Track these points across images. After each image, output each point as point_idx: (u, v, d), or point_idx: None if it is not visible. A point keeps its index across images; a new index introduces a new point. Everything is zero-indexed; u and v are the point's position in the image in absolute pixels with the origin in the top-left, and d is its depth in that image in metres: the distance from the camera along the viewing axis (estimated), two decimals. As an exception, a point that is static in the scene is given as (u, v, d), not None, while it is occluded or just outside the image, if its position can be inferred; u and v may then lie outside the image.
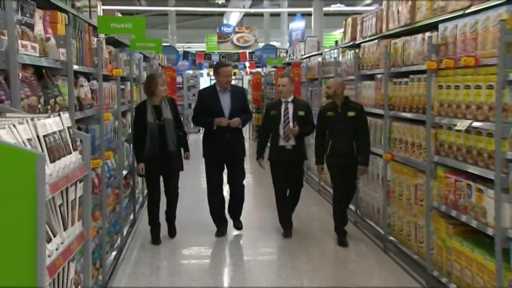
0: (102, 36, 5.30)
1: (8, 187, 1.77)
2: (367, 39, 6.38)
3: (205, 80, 23.62)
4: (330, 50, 8.88)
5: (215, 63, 7.57)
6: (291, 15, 20.02)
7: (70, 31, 3.51)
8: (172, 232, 5.83)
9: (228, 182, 6.06)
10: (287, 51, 15.56)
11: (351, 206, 6.16)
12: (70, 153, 2.28)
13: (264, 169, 6.06)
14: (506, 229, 3.30)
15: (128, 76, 6.29)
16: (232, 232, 6.04)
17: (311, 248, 5.60)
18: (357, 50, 6.66)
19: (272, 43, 20.04)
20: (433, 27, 4.49)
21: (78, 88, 3.87)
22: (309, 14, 16.96)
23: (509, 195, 3.28)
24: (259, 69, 18.38)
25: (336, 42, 8.77)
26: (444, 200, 4.13)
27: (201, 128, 9.75)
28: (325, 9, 16.96)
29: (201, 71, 21.59)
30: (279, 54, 16.56)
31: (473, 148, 3.74)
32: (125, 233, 5.69)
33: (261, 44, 19.82)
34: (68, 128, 2.34)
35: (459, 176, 3.93)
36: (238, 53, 18.40)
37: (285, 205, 6.00)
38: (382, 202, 5.55)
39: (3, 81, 2.59)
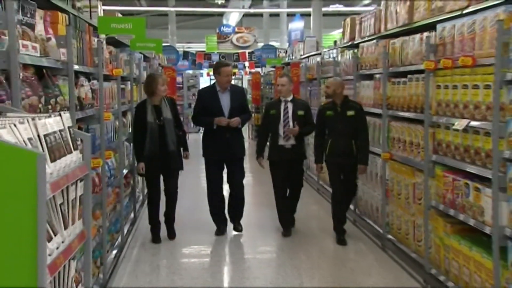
0: (102, 36, 5.30)
1: (9, 186, 1.77)
2: (366, 39, 6.38)
3: (205, 80, 23.59)
4: (329, 50, 8.89)
5: (215, 63, 7.56)
6: (290, 15, 20.02)
7: (70, 31, 3.51)
8: (171, 234, 5.78)
9: (228, 182, 6.05)
10: (286, 51, 15.56)
11: (350, 205, 6.15)
12: (71, 152, 2.28)
13: (264, 168, 6.06)
14: (503, 228, 3.31)
15: (128, 76, 6.29)
16: (231, 231, 6.03)
17: (310, 247, 5.60)
18: (355, 50, 6.66)
19: (271, 43, 20.04)
20: (431, 27, 4.49)
21: (78, 88, 3.86)
22: (308, 15, 16.96)
23: (507, 194, 3.28)
24: (259, 69, 18.38)
25: (335, 42, 8.76)
26: (442, 199, 4.13)
27: (200, 127, 9.74)
28: (324, 9, 16.96)
29: (201, 71, 21.57)
30: (278, 54, 16.57)
31: (470, 147, 3.75)
32: (125, 231, 5.69)
33: (260, 44, 19.82)
34: (69, 127, 2.34)
35: (457, 175, 3.93)
36: (237, 53, 18.40)
37: (285, 204, 6.00)
38: (380, 201, 5.55)
39: (4, 81, 2.59)
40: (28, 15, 2.98)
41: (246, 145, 6.27)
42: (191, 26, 26.37)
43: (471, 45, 3.75)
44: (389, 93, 5.32)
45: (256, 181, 9.27)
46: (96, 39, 4.59)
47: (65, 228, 2.19)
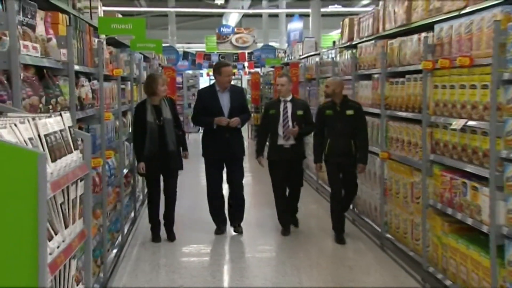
0: (102, 36, 5.30)
1: (9, 186, 1.77)
2: (364, 39, 6.38)
3: (205, 80, 23.58)
4: (327, 50, 8.89)
5: (215, 63, 7.56)
6: (289, 16, 20.03)
7: (71, 32, 3.50)
8: (171, 237, 5.70)
9: (228, 182, 6.04)
10: (285, 52, 15.57)
11: (350, 205, 6.12)
12: (71, 152, 2.28)
13: (264, 167, 6.05)
14: (501, 226, 3.31)
15: (128, 76, 6.28)
16: (231, 230, 6.02)
17: (309, 246, 5.60)
18: (354, 50, 6.66)
19: (270, 43, 20.03)
20: (429, 27, 4.49)
21: (79, 88, 3.86)
22: (307, 15, 16.98)
23: (504, 192, 3.28)
24: (258, 69, 18.38)
25: (334, 42, 8.76)
26: (440, 198, 4.14)
27: (200, 127, 9.72)
28: (322, 10, 16.98)
29: (201, 71, 21.56)
30: (278, 55, 16.56)
31: (468, 146, 3.75)
32: (125, 231, 5.68)
33: (259, 45, 19.82)
34: (69, 127, 2.34)
35: (454, 174, 3.93)
36: (237, 53, 18.39)
37: (284, 204, 6.00)
38: (379, 200, 5.55)
39: (5, 81, 2.59)
40: (29, 16, 2.98)
41: (246, 144, 6.26)
42: (190, 26, 26.36)
43: (468, 45, 3.76)
44: (387, 93, 5.32)
45: (255, 181, 9.27)
46: (96, 40, 4.59)
47: (66, 227, 2.19)
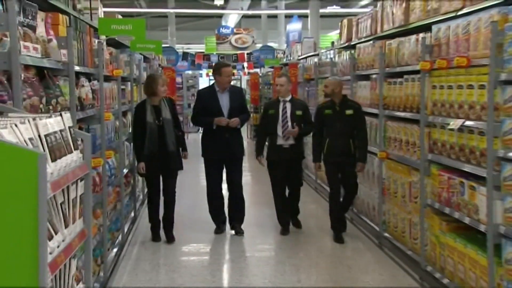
0: (103, 37, 5.29)
1: (10, 186, 1.77)
2: (363, 40, 6.38)
3: (204, 81, 23.57)
4: (326, 51, 8.89)
5: (215, 63, 7.55)
6: (288, 16, 20.03)
7: (71, 33, 3.50)
8: (169, 239, 5.62)
9: (227, 182, 6.01)
10: (284, 52, 15.57)
11: (351, 205, 6.10)
12: (71, 152, 2.28)
13: (264, 166, 6.04)
14: (498, 225, 3.31)
15: (128, 77, 6.28)
16: (231, 229, 6.01)
17: (308, 245, 5.61)
18: (352, 51, 6.66)
19: (269, 44, 20.04)
20: (427, 28, 4.50)
21: (79, 89, 3.86)
22: (306, 16, 16.98)
23: (501, 192, 3.28)
24: (257, 70, 18.38)
25: (332, 43, 8.76)
26: (438, 197, 4.14)
27: (200, 127, 9.70)
28: (321, 11, 16.98)
29: (200, 72, 21.55)
30: (277, 55, 16.57)
31: (465, 146, 3.75)
32: (126, 230, 5.68)
33: (258, 45, 19.83)
34: (69, 127, 2.34)
35: (452, 174, 3.93)
36: (236, 54, 18.40)
37: (283, 203, 5.99)
38: (377, 199, 5.55)
39: (5, 82, 2.59)
40: (30, 17, 2.98)
41: (245, 144, 6.25)
42: (190, 27, 26.35)
43: (465, 45, 3.76)
44: (385, 93, 5.32)
45: (255, 180, 9.27)
46: (96, 40, 4.59)
47: (66, 226, 2.19)
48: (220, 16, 23.57)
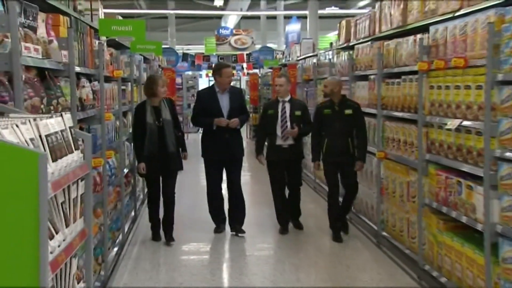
0: (103, 38, 5.29)
1: (11, 186, 1.77)
2: (361, 41, 6.38)
3: (204, 81, 23.60)
4: (325, 52, 8.89)
5: (215, 64, 7.53)
6: (287, 17, 20.03)
7: (72, 34, 3.50)
8: (168, 239, 5.56)
9: (227, 182, 5.98)
10: (283, 53, 15.56)
11: (351, 205, 6.08)
12: (72, 152, 2.28)
13: (264, 165, 6.03)
14: (495, 225, 3.31)
15: (128, 77, 6.28)
16: (231, 231, 5.98)
17: (307, 244, 5.61)
18: (351, 52, 6.66)
19: (268, 45, 20.05)
20: (424, 29, 4.50)
21: (80, 89, 3.86)
22: (305, 17, 16.98)
23: (498, 191, 3.29)
24: (256, 70, 18.38)
25: (331, 44, 8.76)
26: (435, 197, 4.14)
27: (199, 128, 9.67)
28: (320, 12, 16.99)
29: (200, 72, 21.55)
30: (276, 56, 16.57)
31: (463, 146, 3.75)
32: (126, 229, 5.68)
33: (258, 46, 19.83)
34: (70, 128, 2.34)
35: (449, 174, 3.94)
36: (235, 54, 18.40)
37: (282, 203, 5.99)
38: (375, 199, 5.55)
39: (6, 83, 2.59)
40: (30, 18, 2.97)
41: (244, 144, 6.24)
42: (190, 28, 26.35)
43: (463, 46, 3.76)
44: (383, 93, 5.33)
45: (254, 180, 9.27)
46: (97, 41, 4.58)
47: (67, 226, 2.19)
48: (219, 17, 23.58)
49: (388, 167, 5.20)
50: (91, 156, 2.58)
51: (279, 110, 5.85)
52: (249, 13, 21.88)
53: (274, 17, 22.39)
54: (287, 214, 6.03)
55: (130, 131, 6.09)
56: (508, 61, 3.19)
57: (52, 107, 3.03)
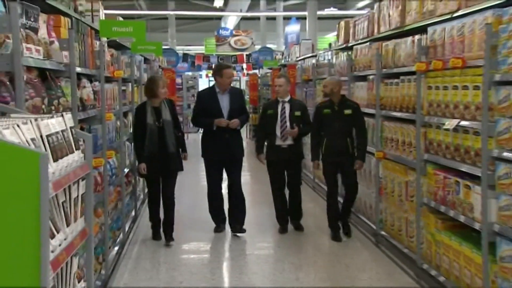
0: (104, 39, 5.29)
1: (12, 185, 1.77)
2: (360, 41, 6.39)
3: (204, 82, 23.60)
4: (324, 52, 8.89)
5: (215, 65, 7.52)
6: (287, 18, 20.02)
7: (73, 35, 3.51)
8: (168, 241, 5.51)
9: (228, 182, 5.96)
10: (282, 53, 15.55)
11: (352, 205, 6.06)
12: (73, 152, 2.28)
13: (264, 164, 6.02)
14: (492, 224, 3.32)
15: (129, 78, 6.28)
16: (232, 232, 5.97)
17: (306, 244, 5.61)
18: (350, 52, 6.66)
19: (268, 45, 20.03)
20: (423, 30, 4.50)
21: (81, 90, 3.86)
22: (304, 18, 16.99)
23: (495, 191, 3.29)
24: (256, 71, 18.37)
25: (330, 44, 8.77)
26: (434, 196, 4.14)
27: (200, 128, 9.64)
28: (319, 13, 17.00)
29: (200, 73, 21.55)
30: (275, 56, 16.56)
31: (460, 146, 3.76)
32: (127, 229, 5.68)
33: (257, 47, 19.82)
34: (71, 128, 2.34)
35: (447, 173, 3.94)
36: (235, 55, 18.40)
37: (282, 203, 5.99)
38: (374, 198, 5.56)
39: (8, 83, 2.59)
40: (32, 19, 2.97)
41: (244, 144, 6.23)
42: (190, 29, 26.34)
43: (460, 47, 3.76)
44: (382, 93, 5.33)
45: (254, 180, 9.28)
46: (97, 42, 4.59)
47: (68, 225, 2.19)
48: (219, 18, 23.57)
49: (387, 167, 5.20)
50: (91, 156, 2.58)
51: (279, 110, 5.85)
52: (249, 14, 21.87)
53: (273, 18, 22.38)
54: (287, 214, 6.03)
55: (131, 131, 6.09)
56: (505, 62, 3.19)
57: (53, 107, 3.04)
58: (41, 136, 2.00)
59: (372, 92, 5.63)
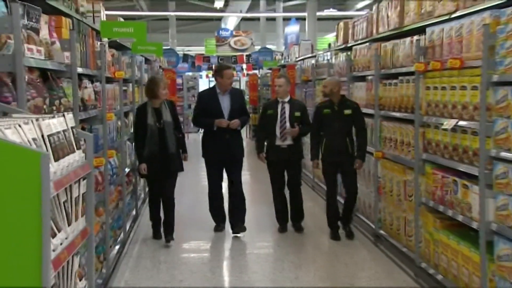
0: (105, 40, 5.29)
1: (14, 185, 1.77)
2: (359, 42, 6.39)
3: (204, 82, 23.59)
4: (323, 53, 8.90)
5: (215, 65, 7.53)
6: (286, 19, 20.02)
7: (74, 35, 3.50)
8: (168, 241, 5.47)
9: (228, 183, 5.94)
10: (282, 54, 15.57)
11: (342, 200, 6.04)
12: (74, 152, 2.28)
13: (265, 163, 5.99)
14: (490, 223, 3.32)
15: (130, 78, 6.29)
16: (230, 227, 5.99)
17: (306, 243, 5.61)
18: (349, 53, 6.67)
19: (268, 46, 20.02)
20: (421, 30, 4.50)
21: (82, 90, 3.86)
22: (303, 19, 16.98)
23: (493, 190, 3.29)
24: (256, 71, 18.37)
25: (329, 45, 8.77)
26: (432, 195, 4.15)
27: (200, 128, 9.63)
28: (318, 13, 16.99)
29: (200, 73, 21.54)
30: (275, 57, 16.56)
31: (459, 146, 3.76)
32: (127, 228, 5.68)
33: (257, 47, 19.80)
34: (72, 128, 2.34)
35: (445, 173, 3.94)
36: (235, 55, 18.39)
37: (282, 202, 5.98)
38: (373, 198, 5.56)
39: (10, 83, 2.59)
40: (33, 20, 2.97)
41: (244, 144, 6.23)
42: (190, 30, 26.33)
43: (459, 47, 3.77)
44: (381, 94, 5.33)
45: (253, 179, 9.28)
46: (99, 43, 4.59)
47: (69, 224, 2.19)
48: (219, 18, 23.56)
49: (386, 166, 5.20)
50: (92, 156, 2.58)
51: (279, 110, 5.84)
52: (249, 15, 21.87)
53: (273, 19, 22.37)
54: (286, 213, 6.02)
55: (132, 131, 6.09)
56: (503, 62, 3.19)
57: (54, 108, 3.04)
58: (43, 136, 2.00)
59: (371, 92, 5.63)
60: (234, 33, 20.60)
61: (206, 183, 6.07)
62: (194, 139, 14.42)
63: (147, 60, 8.77)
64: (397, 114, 4.90)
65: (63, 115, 2.29)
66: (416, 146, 4.39)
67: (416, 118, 4.37)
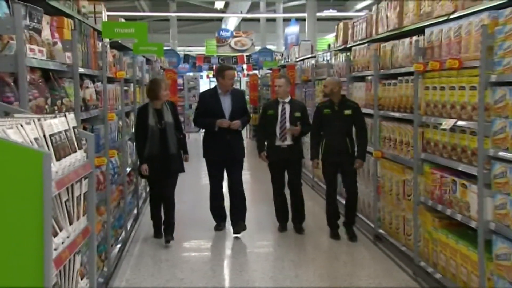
0: (106, 40, 5.30)
1: (16, 184, 1.77)
2: (358, 42, 6.39)
3: (205, 82, 23.57)
4: (323, 53, 8.90)
5: (216, 66, 7.53)
6: (286, 20, 20.02)
7: (76, 36, 3.50)
8: (167, 241, 5.44)
9: (228, 183, 5.93)
10: (282, 54, 15.57)
11: (342, 200, 6.07)
12: (75, 151, 2.28)
13: (266, 162, 5.98)
14: (488, 222, 3.32)
15: (131, 78, 6.29)
16: (230, 227, 5.99)
17: (306, 241, 5.61)
18: (348, 53, 6.67)
19: (268, 46, 20.02)
20: (420, 31, 4.51)
21: (83, 90, 3.87)
22: (303, 19, 16.96)
23: (491, 190, 3.29)
24: (256, 71, 18.37)
25: (329, 45, 8.77)
26: (431, 195, 4.15)
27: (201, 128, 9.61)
28: (318, 14, 16.97)
29: (201, 74, 21.54)
30: (275, 57, 16.57)
31: (457, 145, 3.76)
32: (129, 227, 5.68)
33: (257, 48, 19.81)
34: (74, 127, 2.34)
35: (444, 172, 3.94)
36: (236, 56, 18.39)
37: (282, 202, 5.98)
38: (372, 197, 5.56)
39: (12, 83, 2.59)
40: (35, 21, 2.98)
41: (245, 144, 6.22)
42: (191, 30, 26.34)
43: (457, 48, 3.77)
44: (380, 94, 5.33)
45: (254, 179, 9.27)
46: (100, 43, 4.59)
47: (70, 223, 2.19)
48: (220, 19, 23.56)
49: (385, 166, 5.20)
50: (94, 156, 2.58)
51: (279, 111, 5.83)
52: (249, 16, 21.87)
53: (273, 20, 22.37)
54: (286, 212, 6.02)
55: (133, 131, 6.09)
56: (501, 63, 3.19)
57: (56, 108, 3.04)
58: (44, 136, 2.00)
59: (370, 92, 5.63)
60: (234, 33, 20.61)
61: (207, 182, 6.07)
62: (195, 138, 14.43)
63: (148, 61, 8.77)
64: (396, 114, 4.90)
65: (65, 115, 2.29)
66: (415, 146, 4.39)
67: (415, 118, 4.37)
